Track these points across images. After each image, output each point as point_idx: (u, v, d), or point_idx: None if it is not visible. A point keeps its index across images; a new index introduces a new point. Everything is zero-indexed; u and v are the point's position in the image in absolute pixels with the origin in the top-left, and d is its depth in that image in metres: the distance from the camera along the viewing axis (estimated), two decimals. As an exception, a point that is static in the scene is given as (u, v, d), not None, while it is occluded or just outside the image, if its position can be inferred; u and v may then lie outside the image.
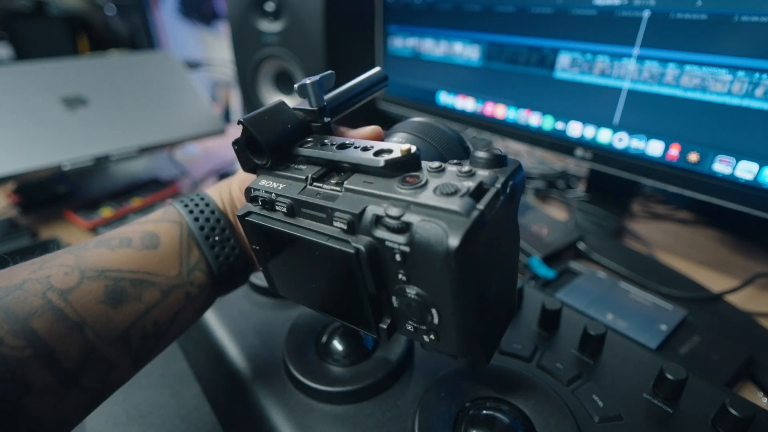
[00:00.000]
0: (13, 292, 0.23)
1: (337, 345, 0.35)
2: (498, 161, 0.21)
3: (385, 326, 0.23)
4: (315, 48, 0.68)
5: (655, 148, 0.49)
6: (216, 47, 2.34)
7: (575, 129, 0.55)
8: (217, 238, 0.30)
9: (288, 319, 0.39)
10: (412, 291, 0.21)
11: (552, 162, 0.85)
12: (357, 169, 0.23)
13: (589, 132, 0.54)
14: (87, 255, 0.26)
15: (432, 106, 0.71)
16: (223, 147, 1.00)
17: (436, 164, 0.21)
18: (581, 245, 0.57)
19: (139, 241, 0.28)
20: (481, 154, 0.21)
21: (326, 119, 0.27)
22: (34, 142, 0.65)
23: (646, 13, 0.45)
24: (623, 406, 0.30)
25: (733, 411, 0.27)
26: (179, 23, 2.40)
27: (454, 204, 0.18)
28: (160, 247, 0.28)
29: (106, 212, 0.68)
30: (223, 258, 0.30)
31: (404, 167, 0.21)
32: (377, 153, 0.22)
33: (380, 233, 0.20)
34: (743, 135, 0.42)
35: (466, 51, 0.63)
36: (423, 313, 0.21)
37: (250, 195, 0.25)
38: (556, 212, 0.70)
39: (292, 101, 0.27)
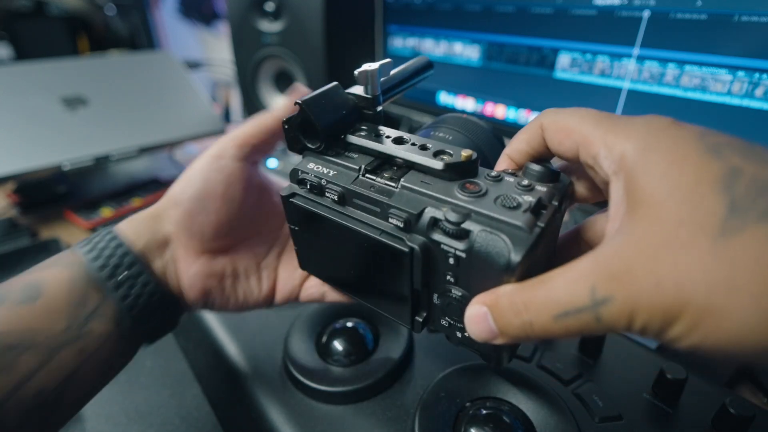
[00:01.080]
0: None
1: (338, 345, 0.35)
2: (552, 176, 0.21)
3: (420, 319, 0.23)
4: (315, 48, 0.68)
5: (655, 148, 0.49)
6: (216, 47, 2.34)
7: (575, 129, 0.55)
8: (123, 275, 0.26)
9: (288, 319, 0.39)
10: (457, 292, 0.21)
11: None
12: (413, 166, 0.23)
13: (589, 132, 0.54)
14: None
15: (432, 106, 0.71)
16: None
17: (494, 173, 0.21)
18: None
19: (17, 294, 0.24)
20: (536, 167, 0.21)
21: (378, 108, 0.26)
22: (34, 142, 0.65)
23: (646, 13, 0.45)
24: (623, 406, 0.30)
25: (732, 411, 0.27)
26: (179, 23, 2.40)
27: (518, 219, 0.18)
28: (41, 298, 0.24)
29: (106, 212, 0.68)
30: (132, 299, 0.26)
31: (462, 172, 0.21)
32: (436, 154, 0.22)
33: (437, 236, 0.20)
34: (743, 135, 0.42)
35: (466, 51, 0.63)
36: (463, 313, 0.21)
37: (297, 177, 0.25)
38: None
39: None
